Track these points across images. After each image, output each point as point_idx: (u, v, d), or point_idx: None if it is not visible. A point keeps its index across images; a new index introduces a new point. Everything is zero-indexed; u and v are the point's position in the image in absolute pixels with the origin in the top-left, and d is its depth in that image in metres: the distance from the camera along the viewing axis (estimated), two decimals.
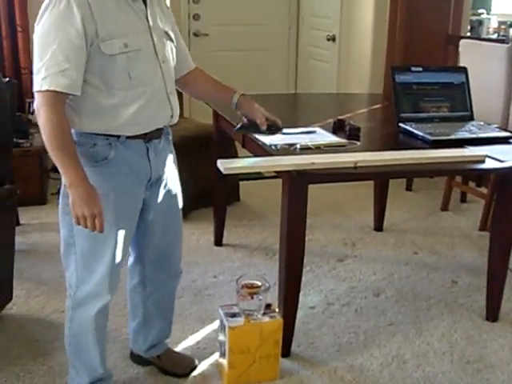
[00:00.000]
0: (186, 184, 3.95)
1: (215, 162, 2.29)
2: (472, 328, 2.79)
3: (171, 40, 2.03)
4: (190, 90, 2.34)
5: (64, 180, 1.82)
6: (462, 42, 4.04)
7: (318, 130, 2.69)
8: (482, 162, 2.41)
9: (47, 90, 1.74)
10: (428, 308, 2.97)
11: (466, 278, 3.28)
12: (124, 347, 2.54)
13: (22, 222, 3.77)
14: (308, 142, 2.44)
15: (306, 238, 2.42)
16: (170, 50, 2.03)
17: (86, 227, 1.82)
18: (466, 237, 3.85)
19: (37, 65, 1.77)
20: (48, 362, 2.47)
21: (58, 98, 1.76)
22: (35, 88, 1.77)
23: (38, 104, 1.77)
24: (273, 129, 2.26)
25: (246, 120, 2.28)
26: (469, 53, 3.90)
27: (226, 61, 5.58)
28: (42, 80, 1.75)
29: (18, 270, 2.96)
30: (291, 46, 5.92)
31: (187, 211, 4.00)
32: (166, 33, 2.01)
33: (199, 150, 3.97)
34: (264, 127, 2.25)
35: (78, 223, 1.83)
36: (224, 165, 2.21)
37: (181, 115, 4.56)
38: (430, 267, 3.42)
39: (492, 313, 2.86)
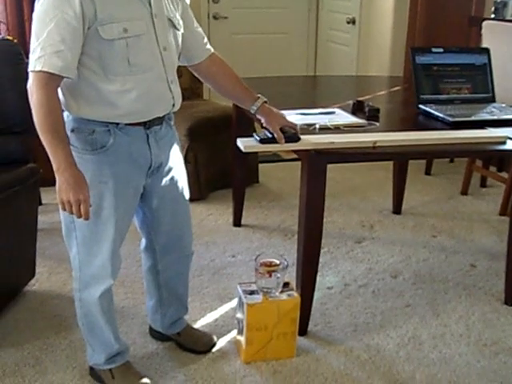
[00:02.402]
0: (206, 166, 4.02)
1: (235, 143, 2.30)
2: (490, 311, 2.79)
3: (176, 28, 1.98)
4: (208, 80, 2.25)
5: (52, 164, 1.77)
6: (485, 23, 3.98)
7: (337, 110, 2.69)
8: (503, 143, 2.39)
9: (40, 71, 1.70)
10: (445, 291, 2.97)
11: (484, 261, 3.28)
12: (143, 323, 2.59)
13: (44, 201, 3.82)
14: (327, 122, 2.45)
15: (325, 220, 2.43)
16: (174, 38, 1.97)
17: (71, 213, 1.80)
18: (485, 221, 3.83)
19: (33, 44, 1.74)
20: (69, 336, 2.52)
21: (51, 80, 1.72)
22: (29, 68, 1.73)
23: (31, 84, 1.73)
24: (289, 139, 2.21)
25: (267, 132, 2.23)
26: (491, 34, 3.85)
27: (245, 44, 5.57)
28: (36, 60, 1.71)
29: (41, 248, 3.02)
30: (311, 29, 5.89)
31: (206, 192, 4.04)
32: (170, 20, 1.95)
33: (218, 132, 3.99)
34: (282, 142, 2.19)
35: (64, 209, 1.80)
36: (244, 143, 2.22)
37: (200, 97, 4.62)
38: (448, 251, 3.41)
39: (511, 297, 2.85)
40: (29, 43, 4.62)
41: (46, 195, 3.83)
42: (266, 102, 2.23)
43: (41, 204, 3.70)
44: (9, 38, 2.81)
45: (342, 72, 5.19)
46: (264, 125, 2.24)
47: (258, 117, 2.24)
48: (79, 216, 1.79)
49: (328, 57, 5.77)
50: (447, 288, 3.00)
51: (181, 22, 2.01)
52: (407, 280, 3.07)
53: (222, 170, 4.03)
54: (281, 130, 2.19)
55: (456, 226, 3.75)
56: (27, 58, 2.78)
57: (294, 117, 2.48)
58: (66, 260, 3.12)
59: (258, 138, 2.22)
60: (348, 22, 5.20)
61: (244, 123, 3.30)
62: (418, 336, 2.59)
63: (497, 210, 3.96)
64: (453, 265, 3.24)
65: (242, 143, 2.22)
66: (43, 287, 2.91)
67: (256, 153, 3.95)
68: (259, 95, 2.24)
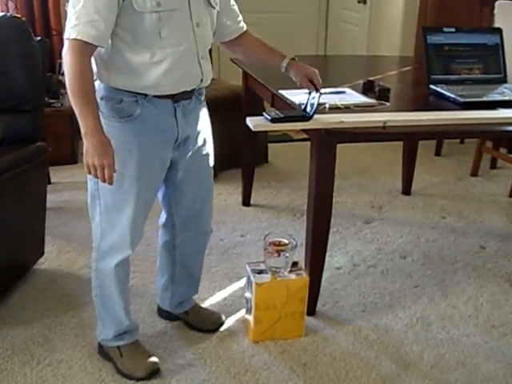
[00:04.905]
0: (215, 145, 3.99)
1: (244, 123, 2.29)
2: (499, 293, 2.79)
3: (211, 5, 2.00)
4: (239, 54, 2.30)
5: (81, 128, 1.83)
6: (498, 3, 3.94)
7: (347, 90, 2.67)
8: None
9: (75, 39, 1.76)
10: (454, 272, 2.97)
11: (494, 243, 3.27)
12: (152, 303, 2.60)
13: (53, 180, 3.83)
14: (337, 101, 2.43)
15: (334, 200, 2.43)
16: (208, 15, 2.00)
17: (96, 177, 1.84)
18: (495, 203, 3.82)
19: (69, 13, 1.79)
20: (78, 315, 2.54)
21: (84, 48, 1.78)
22: (65, 35, 1.80)
23: (65, 51, 1.79)
24: (299, 118, 2.22)
25: (277, 112, 2.24)
26: (504, 14, 3.81)
27: (255, 22, 5.44)
28: (71, 28, 1.77)
29: (50, 226, 3.02)
30: (321, 9, 5.85)
31: (216, 172, 4.01)
32: None
33: (228, 111, 3.97)
34: (311, 89, 2.23)
35: (89, 172, 1.85)
36: (253, 122, 2.21)
37: None
38: (457, 232, 3.40)
39: None
40: (36, 21, 4.60)
41: (55, 174, 3.85)
42: (293, 58, 2.25)
43: (50, 183, 3.71)
44: (17, 15, 2.79)
45: (353, 52, 5.16)
46: (295, 80, 2.25)
47: (290, 75, 2.26)
48: (103, 180, 1.84)
49: (339, 36, 5.73)
50: (456, 269, 2.99)
51: (217, 0, 2.03)
52: (416, 261, 3.07)
53: (232, 150, 4.01)
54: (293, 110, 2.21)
55: (465, 207, 3.74)
56: (35, 35, 2.78)
57: (303, 96, 2.46)
58: (74, 239, 3.18)
59: (268, 117, 2.21)
60: (359, 2, 5.16)
61: (254, 102, 3.29)
62: (427, 317, 2.59)
63: (507, 191, 3.94)
64: (462, 246, 3.23)
65: (251, 122, 2.21)
66: (52, 266, 2.92)
67: (266, 132, 3.93)
68: (286, 54, 2.25)
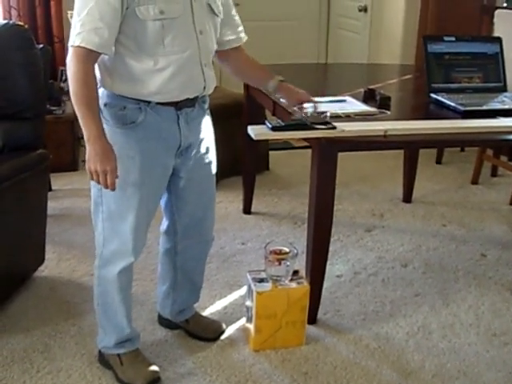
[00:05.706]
0: (216, 153, 3.99)
1: (246, 131, 2.30)
2: (500, 301, 2.78)
3: (214, 13, 2.01)
4: (227, 65, 2.30)
5: (84, 134, 1.84)
6: (498, 12, 3.96)
7: (348, 98, 2.68)
8: None
9: (79, 46, 1.78)
10: (455, 280, 2.96)
11: (495, 251, 3.26)
12: (152, 310, 2.59)
13: (53, 187, 3.83)
14: (338, 110, 2.44)
15: (335, 208, 2.43)
16: (212, 23, 2.00)
17: (99, 183, 1.86)
18: (495, 210, 3.81)
19: (74, 20, 1.81)
20: (78, 323, 2.53)
21: (88, 55, 1.80)
22: (69, 42, 1.82)
23: (69, 58, 1.81)
24: (300, 126, 2.23)
25: (279, 120, 2.26)
26: (504, 23, 3.81)
27: (257, 30, 5.47)
28: (75, 35, 1.79)
29: (50, 234, 3.01)
30: (322, 17, 5.86)
31: (217, 179, 4.01)
32: (210, 5, 1.98)
33: (228, 119, 3.97)
34: (294, 113, 2.24)
35: (92, 178, 1.87)
36: (255, 131, 2.21)
37: None
38: (458, 240, 3.40)
39: None
40: (39, 29, 4.62)
41: (55, 181, 3.85)
42: (282, 80, 2.25)
43: (51, 190, 3.71)
44: (20, 23, 2.80)
45: (353, 60, 5.16)
46: (285, 102, 2.28)
47: (277, 96, 2.29)
48: (106, 186, 1.85)
49: (339, 44, 5.74)
50: (457, 277, 2.99)
51: (220, 9, 2.04)
52: (417, 269, 3.06)
53: (232, 157, 4.02)
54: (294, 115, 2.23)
55: (466, 215, 3.73)
56: (38, 43, 2.79)
57: (304, 105, 2.47)
58: (75, 246, 3.18)
59: (269, 126, 2.21)
60: (360, 10, 5.17)
61: (255, 110, 3.29)
62: (428, 325, 2.59)
63: (507, 199, 3.94)
64: (463, 254, 3.23)
65: (252, 131, 2.22)
66: (52, 273, 2.92)
67: (267, 140, 3.94)
68: (277, 75, 2.26)
